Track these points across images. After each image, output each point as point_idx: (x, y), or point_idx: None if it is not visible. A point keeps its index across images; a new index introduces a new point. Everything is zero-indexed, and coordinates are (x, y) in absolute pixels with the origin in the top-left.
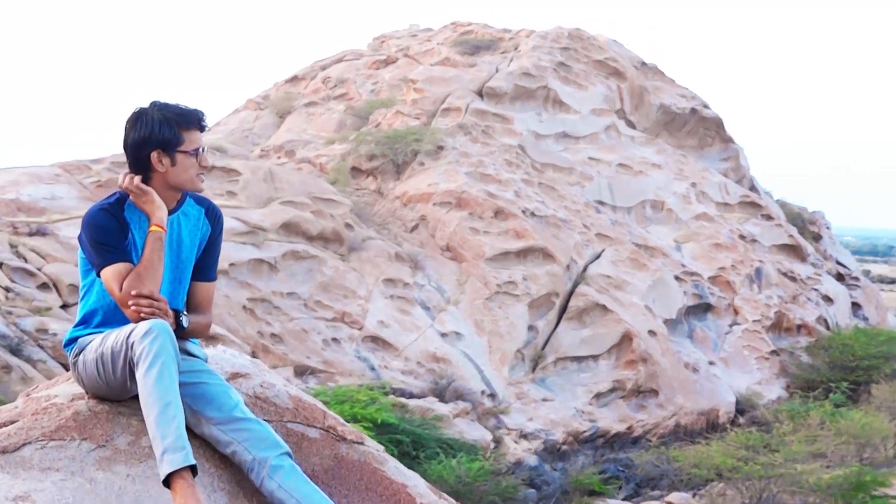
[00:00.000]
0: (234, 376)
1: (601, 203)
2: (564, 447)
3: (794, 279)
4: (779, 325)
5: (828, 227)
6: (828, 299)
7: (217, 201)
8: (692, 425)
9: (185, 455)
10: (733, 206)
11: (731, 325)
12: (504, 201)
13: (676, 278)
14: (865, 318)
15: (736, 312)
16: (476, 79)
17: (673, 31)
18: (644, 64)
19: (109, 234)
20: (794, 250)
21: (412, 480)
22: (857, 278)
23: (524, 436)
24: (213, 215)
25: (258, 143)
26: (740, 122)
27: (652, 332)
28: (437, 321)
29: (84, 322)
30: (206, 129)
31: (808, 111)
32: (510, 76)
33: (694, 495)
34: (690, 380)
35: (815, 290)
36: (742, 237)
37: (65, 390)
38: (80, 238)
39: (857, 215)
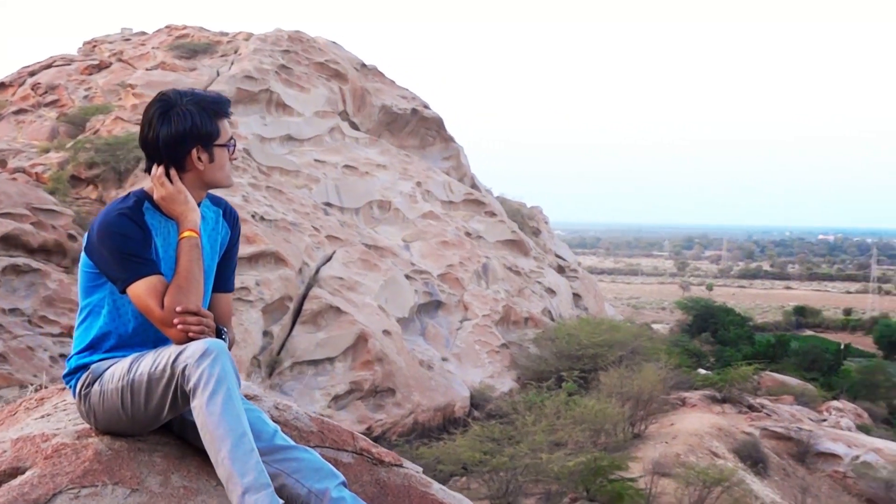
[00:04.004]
0: (245, 399)
1: (329, 205)
2: None
3: (518, 273)
4: (507, 319)
5: (546, 222)
6: (551, 291)
7: None
8: (429, 421)
9: (271, 494)
10: (458, 204)
11: (461, 321)
12: (232, 206)
13: (407, 277)
14: (586, 308)
15: (466, 308)
16: (197, 82)
17: (392, 30)
18: (364, 65)
19: (135, 243)
20: (517, 245)
21: (464, 502)
22: (575, 270)
23: None
24: (232, 217)
25: None
26: (458, 121)
27: (386, 332)
28: None
29: (91, 347)
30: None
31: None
32: (232, 80)
33: None
34: (426, 377)
35: (539, 282)
36: (468, 234)
37: (53, 427)
38: (89, 249)
39: (565, 210)
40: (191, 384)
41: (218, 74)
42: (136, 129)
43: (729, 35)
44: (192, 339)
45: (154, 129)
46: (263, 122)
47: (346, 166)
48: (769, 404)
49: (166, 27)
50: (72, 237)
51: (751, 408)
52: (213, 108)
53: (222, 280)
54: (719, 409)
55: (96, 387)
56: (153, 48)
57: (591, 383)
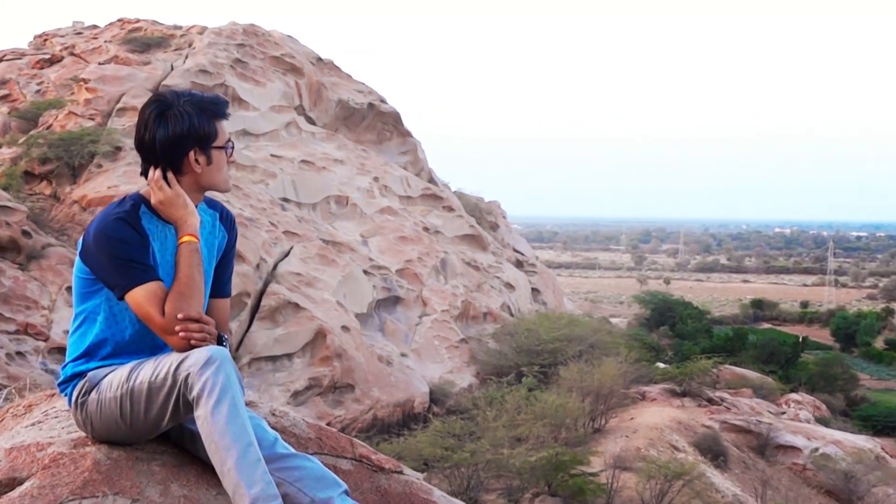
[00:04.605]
0: None
1: (286, 200)
2: None
3: (477, 268)
4: (466, 314)
5: (504, 216)
6: (509, 286)
7: None
8: (389, 417)
9: None
10: (415, 198)
11: (420, 317)
12: None
13: (365, 272)
14: (545, 303)
15: (424, 304)
16: (151, 77)
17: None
18: (320, 59)
19: (133, 248)
20: (475, 240)
21: None
22: (534, 264)
23: None
24: (228, 220)
25: None
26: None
27: (345, 328)
28: None
29: (87, 355)
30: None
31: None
32: (186, 73)
33: None
34: (385, 373)
35: (498, 277)
36: (426, 229)
37: (46, 435)
38: (84, 255)
39: (521, 204)
40: (194, 393)
41: (172, 68)
42: (89, 123)
43: (685, 30)
44: (193, 347)
45: (151, 131)
46: None
47: (303, 161)
48: (728, 397)
49: (119, 20)
50: (26, 233)
51: (710, 401)
52: (210, 109)
53: (219, 285)
54: (679, 403)
55: (94, 395)
56: (106, 42)
57: (550, 378)
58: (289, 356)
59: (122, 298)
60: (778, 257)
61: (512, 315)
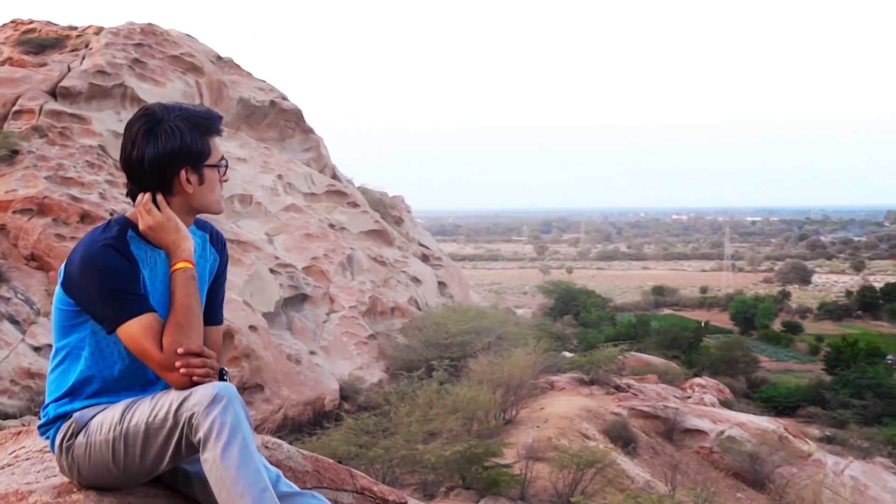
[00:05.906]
0: None
1: None
2: None
3: (383, 263)
4: (373, 310)
5: (409, 211)
6: (416, 280)
7: None
8: (299, 416)
9: None
10: (320, 195)
11: (328, 314)
12: (89, 204)
13: (272, 271)
14: (451, 296)
15: (332, 300)
16: (48, 79)
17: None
18: (220, 58)
19: (124, 277)
20: (380, 235)
21: None
22: (440, 258)
23: None
24: (219, 242)
25: None
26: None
27: (253, 328)
28: (29, 335)
29: (71, 393)
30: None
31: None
32: (84, 75)
33: None
34: (294, 371)
35: (404, 272)
36: (331, 226)
37: (22, 481)
38: (68, 286)
39: (421, 197)
40: (200, 434)
41: (69, 69)
42: None
43: (586, 15)
44: (196, 384)
45: (139, 149)
46: (119, 118)
47: None
48: (635, 384)
49: (12, 22)
50: None
51: (618, 388)
52: (203, 125)
53: (212, 311)
54: (587, 391)
55: (81, 438)
56: None
57: (461, 371)
58: None
59: (112, 332)
60: (676, 244)
61: (419, 309)
